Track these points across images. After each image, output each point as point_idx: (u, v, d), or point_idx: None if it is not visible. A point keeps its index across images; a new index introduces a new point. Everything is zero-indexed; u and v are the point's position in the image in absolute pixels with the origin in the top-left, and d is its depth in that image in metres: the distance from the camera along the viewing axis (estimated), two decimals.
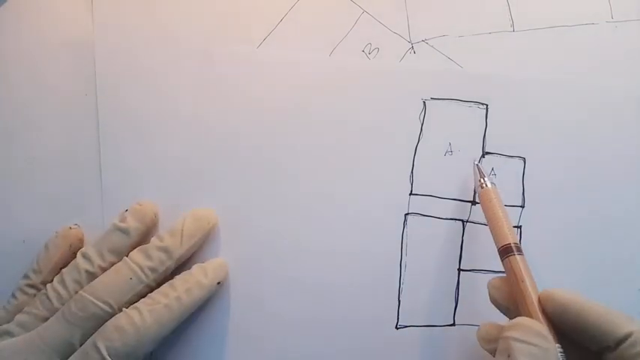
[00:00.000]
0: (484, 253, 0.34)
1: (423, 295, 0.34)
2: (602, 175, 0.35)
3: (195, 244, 0.33)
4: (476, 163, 0.34)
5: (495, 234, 0.31)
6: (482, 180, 0.33)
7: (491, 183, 0.33)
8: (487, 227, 0.35)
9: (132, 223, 0.33)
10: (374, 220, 0.35)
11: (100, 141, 0.36)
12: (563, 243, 0.34)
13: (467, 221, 0.35)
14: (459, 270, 0.34)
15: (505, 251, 0.30)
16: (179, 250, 0.32)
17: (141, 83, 0.37)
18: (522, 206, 0.35)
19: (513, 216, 0.35)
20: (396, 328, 0.34)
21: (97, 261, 0.32)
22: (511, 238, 0.30)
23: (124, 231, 0.33)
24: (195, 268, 0.33)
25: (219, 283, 0.33)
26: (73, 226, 0.34)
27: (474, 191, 0.35)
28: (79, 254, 0.32)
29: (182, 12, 0.37)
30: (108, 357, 0.29)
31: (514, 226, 0.35)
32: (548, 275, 0.34)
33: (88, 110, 0.37)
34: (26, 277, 0.33)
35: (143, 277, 0.31)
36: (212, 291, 0.33)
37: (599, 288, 0.34)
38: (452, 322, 0.34)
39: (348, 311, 0.34)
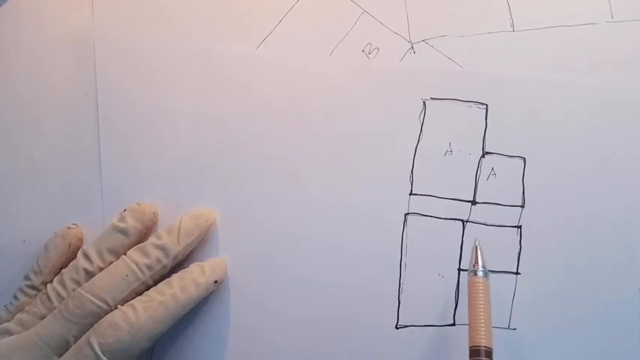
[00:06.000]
0: (484, 253, 0.34)
1: (423, 295, 0.34)
2: (602, 175, 0.35)
3: (193, 242, 0.33)
4: (477, 244, 0.32)
5: (470, 330, 0.30)
6: (476, 266, 0.31)
7: (485, 272, 0.31)
8: (488, 227, 0.35)
9: (130, 223, 0.33)
10: (374, 220, 0.35)
11: (100, 141, 0.36)
12: (563, 243, 0.34)
13: (467, 221, 0.35)
14: (459, 270, 0.34)
15: (474, 354, 0.29)
16: (176, 248, 0.32)
17: (141, 83, 0.37)
18: (522, 206, 0.35)
19: (513, 216, 0.35)
20: (396, 328, 0.34)
21: (96, 261, 0.32)
22: (485, 340, 0.29)
23: (123, 231, 0.33)
24: (193, 267, 0.33)
25: (216, 281, 0.33)
26: (71, 226, 0.34)
27: (474, 191, 0.35)
28: (79, 254, 0.33)
29: (182, 12, 0.37)
30: (101, 353, 0.29)
31: (514, 226, 0.35)
32: (548, 275, 0.34)
33: (89, 110, 0.37)
34: (27, 278, 0.33)
35: (139, 274, 0.31)
36: (209, 289, 0.33)
37: (600, 288, 0.34)
38: (452, 322, 0.34)
39: (348, 311, 0.34)
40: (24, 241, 0.35)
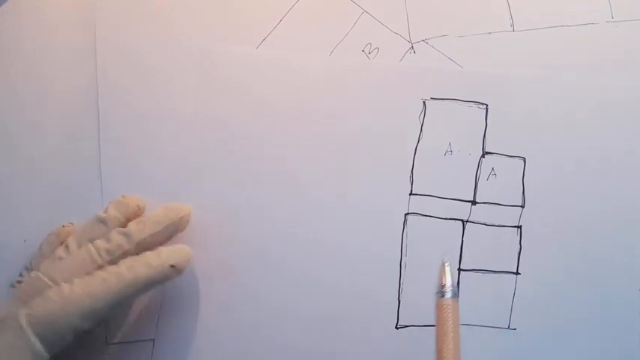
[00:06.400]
0: (484, 253, 0.34)
1: (423, 295, 0.34)
2: (602, 175, 0.35)
3: (162, 231, 0.32)
4: (445, 262, 0.30)
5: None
6: (444, 286, 0.29)
7: (454, 293, 0.28)
8: (487, 227, 0.35)
9: (111, 213, 0.33)
10: (374, 220, 0.35)
11: (100, 141, 0.36)
12: (563, 243, 0.34)
13: (467, 221, 0.35)
14: (459, 270, 0.34)
15: None
16: (140, 235, 0.32)
17: (141, 83, 0.37)
18: (522, 206, 0.35)
19: (513, 216, 0.35)
20: (396, 328, 0.34)
21: (74, 250, 0.31)
22: None
23: (102, 220, 0.32)
24: (151, 251, 0.32)
25: (173, 266, 0.31)
26: (66, 225, 0.34)
27: (474, 191, 0.35)
28: (61, 245, 0.32)
29: (182, 12, 0.37)
30: (26, 325, 0.28)
31: (514, 226, 0.35)
32: (548, 275, 0.34)
33: (89, 110, 0.37)
34: (20, 275, 0.33)
35: (97, 258, 0.31)
36: (165, 273, 0.31)
37: (600, 288, 0.34)
38: None
39: (348, 311, 0.34)
40: (24, 241, 0.35)
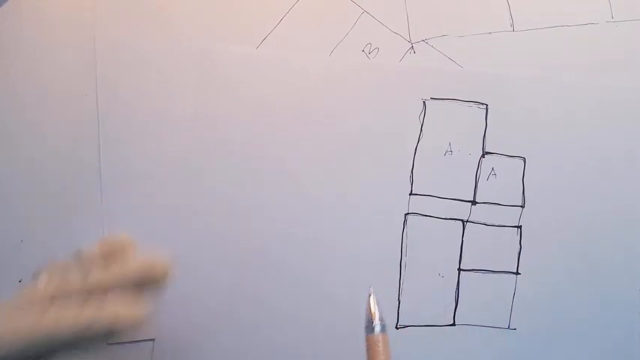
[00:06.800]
0: (484, 253, 0.34)
1: (423, 295, 0.34)
2: (602, 175, 0.35)
3: (125, 283, 0.27)
4: (370, 292, 0.29)
5: None
6: (374, 320, 0.27)
7: (382, 326, 0.27)
8: (487, 227, 0.35)
9: (90, 250, 0.28)
10: (374, 220, 0.35)
11: (100, 141, 0.36)
12: (563, 243, 0.34)
13: (467, 221, 0.35)
14: (459, 270, 0.34)
15: None
16: (99, 279, 0.27)
17: (141, 83, 0.37)
18: (522, 206, 0.35)
19: (513, 216, 0.35)
20: (396, 328, 0.34)
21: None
22: None
23: (78, 257, 0.28)
24: (99, 299, 0.27)
25: (111, 329, 0.26)
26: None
27: (474, 191, 0.35)
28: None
29: (182, 12, 0.37)
30: None
31: (514, 226, 0.35)
32: (548, 275, 0.34)
33: (88, 110, 0.37)
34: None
35: (43, 292, 0.26)
36: (98, 332, 0.26)
37: (600, 288, 0.34)
38: (452, 322, 0.34)
39: (347, 311, 0.34)
40: (22, 241, 0.35)
